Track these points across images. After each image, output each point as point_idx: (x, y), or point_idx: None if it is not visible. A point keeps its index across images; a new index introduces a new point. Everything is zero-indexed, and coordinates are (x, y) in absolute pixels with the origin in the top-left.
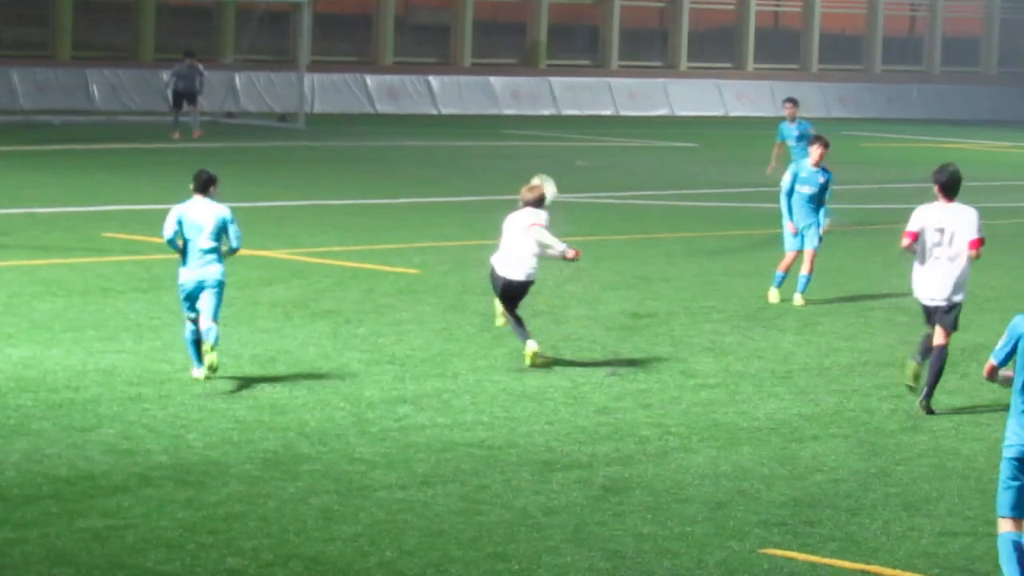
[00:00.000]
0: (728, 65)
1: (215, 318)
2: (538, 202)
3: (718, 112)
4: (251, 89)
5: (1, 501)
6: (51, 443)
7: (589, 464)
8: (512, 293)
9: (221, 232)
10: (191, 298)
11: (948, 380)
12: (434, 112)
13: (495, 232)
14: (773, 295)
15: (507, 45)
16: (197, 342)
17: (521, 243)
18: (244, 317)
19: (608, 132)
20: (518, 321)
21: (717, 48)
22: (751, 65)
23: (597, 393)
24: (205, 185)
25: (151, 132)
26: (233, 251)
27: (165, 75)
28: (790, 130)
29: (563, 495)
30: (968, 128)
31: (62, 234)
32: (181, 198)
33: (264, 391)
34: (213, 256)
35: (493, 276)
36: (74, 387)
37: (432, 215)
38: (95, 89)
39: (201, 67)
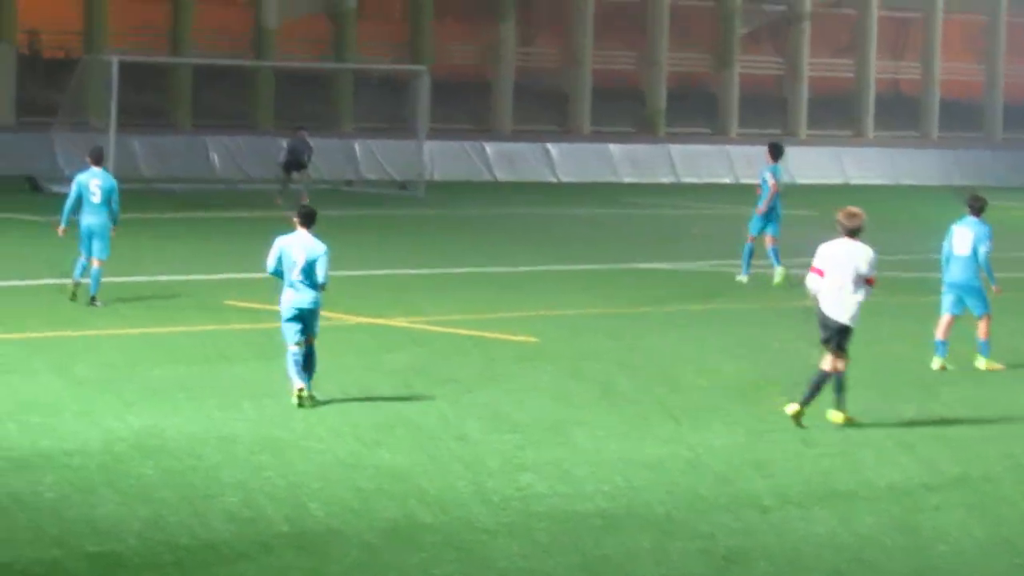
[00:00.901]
0: (848, 132)
1: (311, 335)
2: (856, 231)
3: (837, 180)
4: (370, 157)
5: (123, 569)
6: (172, 511)
7: (710, 534)
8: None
9: (310, 270)
10: (291, 324)
11: None
12: (552, 179)
13: (612, 300)
14: (936, 363)
15: (625, 112)
16: (299, 364)
17: (848, 282)
18: (364, 385)
19: (726, 200)
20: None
21: (836, 115)
22: (871, 132)
23: (716, 461)
24: (308, 219)
25: (270, 199)
26: (320, 286)
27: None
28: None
29: (684, 565)
30: None
31: (183, 301)
32: None
33: (384, 459)
34: (305, 286)
35: (820, 316)
36: (195, 454)
37: (550, 283)
38: (215, 156)
39: (309, 140)
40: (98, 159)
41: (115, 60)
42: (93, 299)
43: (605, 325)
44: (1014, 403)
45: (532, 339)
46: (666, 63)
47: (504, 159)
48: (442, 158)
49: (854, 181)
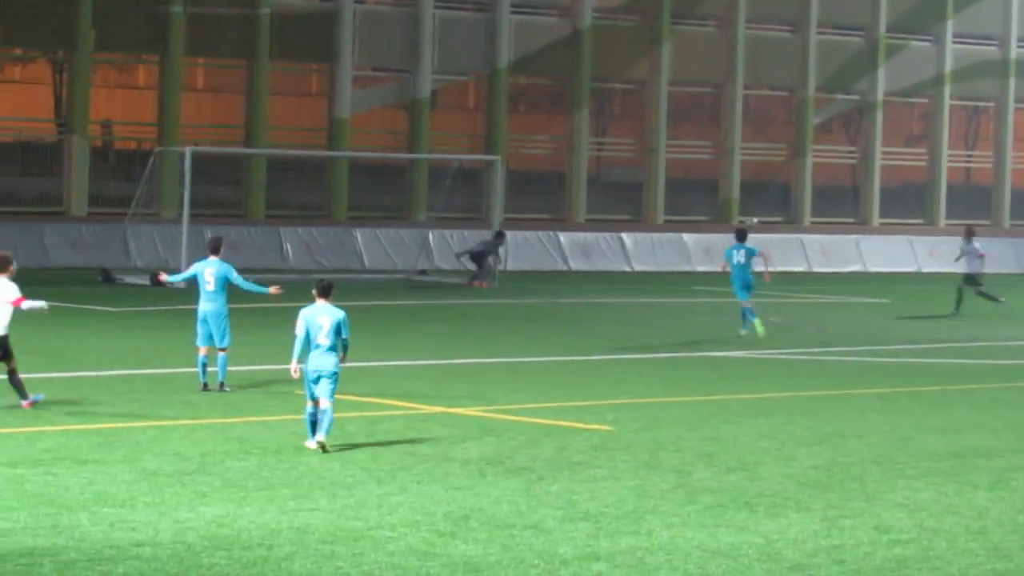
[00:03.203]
0: (920, 221)
1: (330, 398)
2: None
3: (911, 268)
4: (444, 247)
5: None
6: None
7: None
8: None
9: (337, 331)
10: (312, 384)
11: None
12: (627, 269)
13: (688, 389)
14: None
15: (700, 202)
16: (314, 422)
17: None
18: (437, 475)
19: (801, 288)
20: None
21: (909, 203)
22: (943, 221)
23: (791, 549)
24: (326, 291)
25: (344, 290)
26: (344, 345)
27: (358, 233)
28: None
29: None
30: None
31: (254, 391)
32: (372, 356)
33: (458, 549)
34: (329, 350)
35: None
36: (267, 545)
37: (625, 371)
38: (289, 248)
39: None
40: (215, 248)
41: (188, 151)
42: (222, 385)
43: (681, 413)
44: None
45: (606, 428)
46: (740, 152)
47: (578, 249)
48: (516, 248)
49: (926, 269)
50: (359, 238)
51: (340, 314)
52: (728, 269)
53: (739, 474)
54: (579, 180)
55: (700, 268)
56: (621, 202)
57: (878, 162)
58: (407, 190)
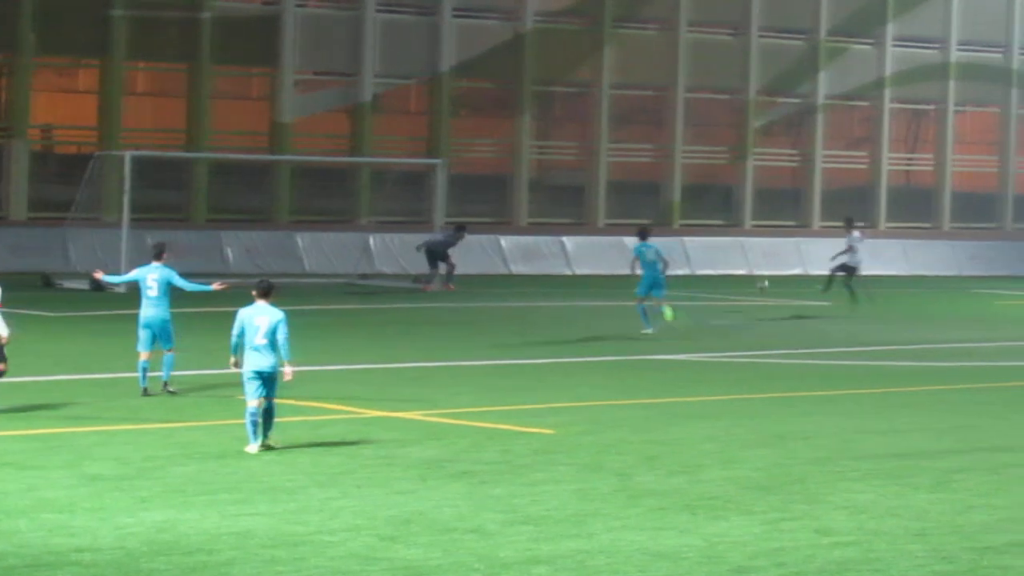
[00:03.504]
0: (861, 223)
1: (271, 395)
2: None
3: None
4: (386, 251)
5: None
6: None
7: None
8: None
9: (274, 332)
10: (252, 382)
11: None
12: (568, 272)
13: (631, 392)
14: None
15: (641, 205)
16: (255, 424)
17: None
18: (379, 479)
19: (742, 291)
20: None
21: (850, 206)
22: (884, 224)
23: (732, 553)
24: (266, 291)
25: (285, 294)
26: (285, 347)
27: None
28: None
29: None
30: None
31: (196, 396)
32: (314, 360)
33: (400, 553)
34: (266, 350)
35: None
36: (208, 550)
37: (568, 375)
38: (230, 252)
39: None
40: (159, 254)
41: (128, 155)
42: (166, 385)
43: (624, 417)
44: (1017, 492)
45: (550, 431)
46: (682, 155)
47: (520, 252)
48: (459, 252)
49: (866, 272)
50: (301, 242)
51: (278, 315)
52: (638, 270)
53: (681, 477)
54: (521, 183)
55: (640, 271)
56: (563, 205)
57: (819, 165)
58: (349, 194)
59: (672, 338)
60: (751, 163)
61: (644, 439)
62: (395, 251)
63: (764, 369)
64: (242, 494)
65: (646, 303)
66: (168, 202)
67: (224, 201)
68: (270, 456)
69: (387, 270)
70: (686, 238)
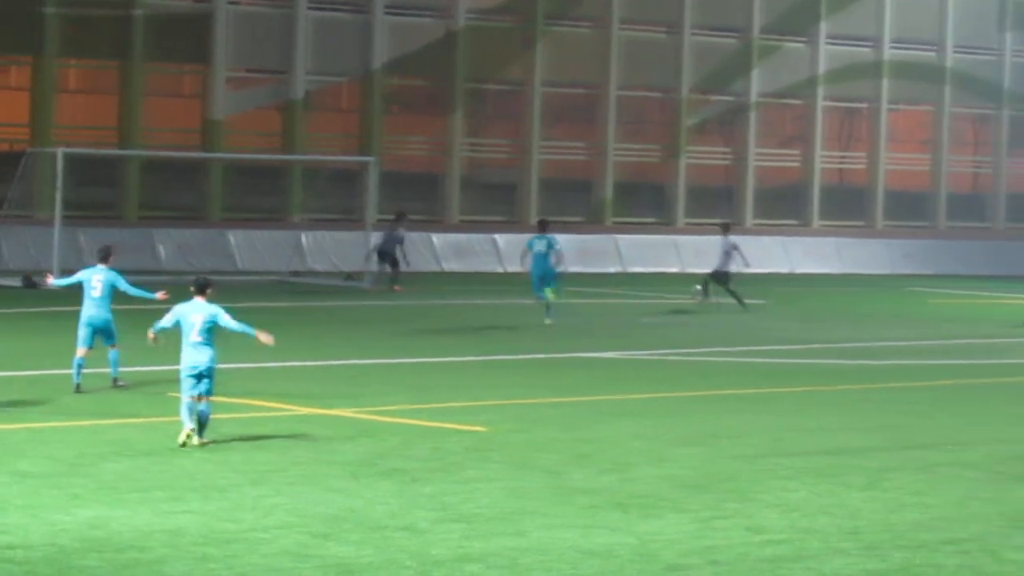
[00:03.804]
0: (794, 222)
1: (207, 394)
2: None
3: (784, 269)
4: (318, 248)
5: None
6: None
7: None
8: None
9: (210, 328)
10: (189, 379)
11: (1016, 535)
12: (500, 269)
13: (562, 390)
14: None
15: (573, 203)
16: (192, 409)
17: None
18: (312, 476)
19: (674, 289)
20: None
21: (783, 205)
22: (816, 222)
23: (665, 551)
24: (202, 288)
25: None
26: (236, 329)
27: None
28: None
29: None
30: None
31: (129, 394)
32: (246, 357)
33: (332, 550)
34: (203, 347)
35: None
36: (140, 547)
37: (500, 373)
38: (162, 249)
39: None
40: (105, 257)
41: (61, 152)
42: (115, 381)
43: (556, 415)
44: (948, 490)
45: (481, 429)
46: (614, 153)
47: (452, 249)
48: (409, 248)
49: (800, 270)
50: (233, 240)
51: (214, 309)
52: (525, 266)
53: (613, 475)
54: (453, 181)
55: (573, 268)
56: (495, 203)
57: (752, 163)
58: (282, 192)
59: (601, 335)
60: (684, 161)
61: (575, 437)
62: (327, 249)
63: (694, 367)
64: (175, 491)
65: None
66: (100, 199)
67: (156, 199)
68: (202, 453)
69: (319, 267)
70: (619, 236)
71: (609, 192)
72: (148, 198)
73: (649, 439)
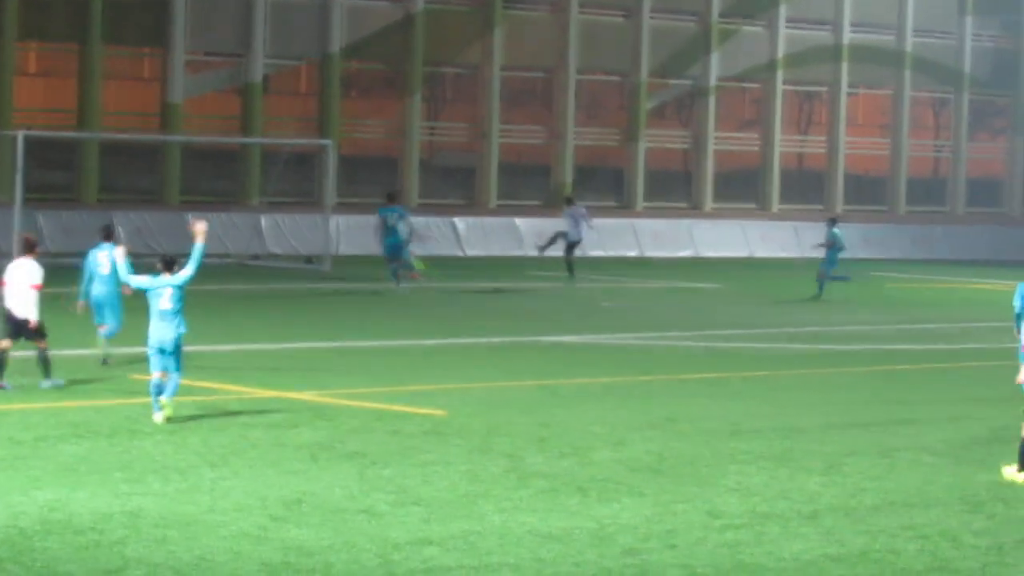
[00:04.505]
0: (753, 206)
1: (176, 371)
2: None
3: (743, 253)
4: (277, 231)
5: None
6: None
7: None
8: None
9: (180, 295)
10: (155, 356)
11: (975, 520)
12: (459, 253)
13: (521, 374)
14: None
15: (532, 186)
16: (160, 391)
17: None
18: (270, 459)
19: (633, 273)
20: None
21: (742, 189)
22: (776, 206)
23: (623, 535)
24: (169, 266)
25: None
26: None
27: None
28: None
29: None
30: (992, 268)
31: (88, 376)
32: (205, 340)
33: (290, 533)
34: (172, 316)
35: None
36: (100, 529)
37: (458, 356)
38: (121, 232)
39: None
40: (108, 235)
41: (20, 134)
42: (105, 359)
43: (514, 398)
44: (907, 475)
45: (440, 413)
46: (573, 137)
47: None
48: (349, 232)
49: (759, 254)
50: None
51: (179, 279)
52: (380, 238)
53: (571, 459)
54: (411, 164)
55: (531, 253)
56: (454, 186)
57: (711, 147)
58: (240, 175)
59: (560, 320)
60: (642, 145)
61: (533, 421)
62: (286, 232)
63: (652, 352)
64: (133, 473)
65: (402, 267)
66: (58, 182)
67: (114, 181)
68: (161, 435)
69: (278, 251)
70: None
71: (568, 176)
72: (107, 181)
73: (608, 423)
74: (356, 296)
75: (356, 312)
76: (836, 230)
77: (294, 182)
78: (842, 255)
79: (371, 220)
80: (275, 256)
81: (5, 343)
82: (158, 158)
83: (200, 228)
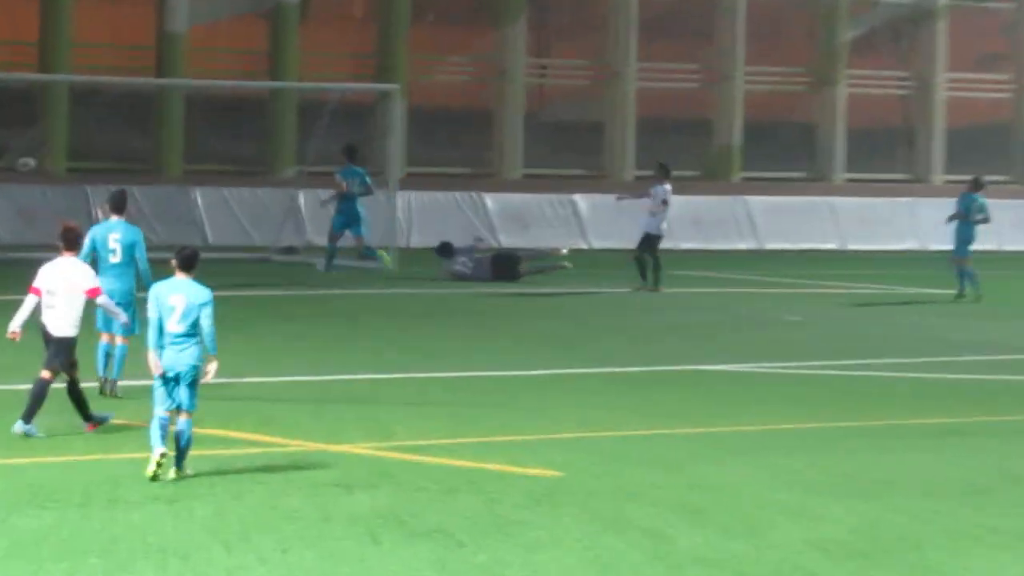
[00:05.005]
0: (1004, 177)
1: (189, 407)
2: None
3: (988, 245)
4: (320, 214)
5: None
6: None
7: None
8: None
9: (195, 316)
10: (162, 388)
11: None
12: (583, 245)
13: (665, 416)
14: None
15: (684, 151)
16: (165, 428)
17: None
18: (311, 538)
19: (830, 273)
20: None
21: (985, 154)
22: None
23: None
24: (187, 262)
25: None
26: (208, 337)
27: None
28: None
29: None
30: None
31: (50, 419)
32: (230, 366)
33: None
34: (185, 340)
35: None
36: None
37: (578, 391)
38: (100, 214)
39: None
40: (119, 206)
41: None
42: (112, 383)
43: (657, 451)
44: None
45: (552, 473)
46: (742, 81)
47: (511, 216)
48: (422, 214)
49: (1009, 246)
50: (199, 200)
51: (202, 294)
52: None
53: (742, 540)
54: (512, 120)
55: (685, 244)
56: (572, 151)
57: (941, 94)
58: (268, 134)
59: (721, 339)
60: (841, 91)
61: (684, 482)
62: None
63: (857, 385)
64: (116, 558)
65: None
66: (13, 145)
67: (91, 143)
68: (157, 503)
69: (322, 241)
70: (749, 198)
71: (737, 136)
72: (81, 143)
73: (791, 487)
74: (432, 305)
75: (432, 328)
76: (978, 196)
77: (344, 144)
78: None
79: (453, 199)
80: (317, 248)
81: (46, 373)
82: (151, 111)
83: (211, 372)
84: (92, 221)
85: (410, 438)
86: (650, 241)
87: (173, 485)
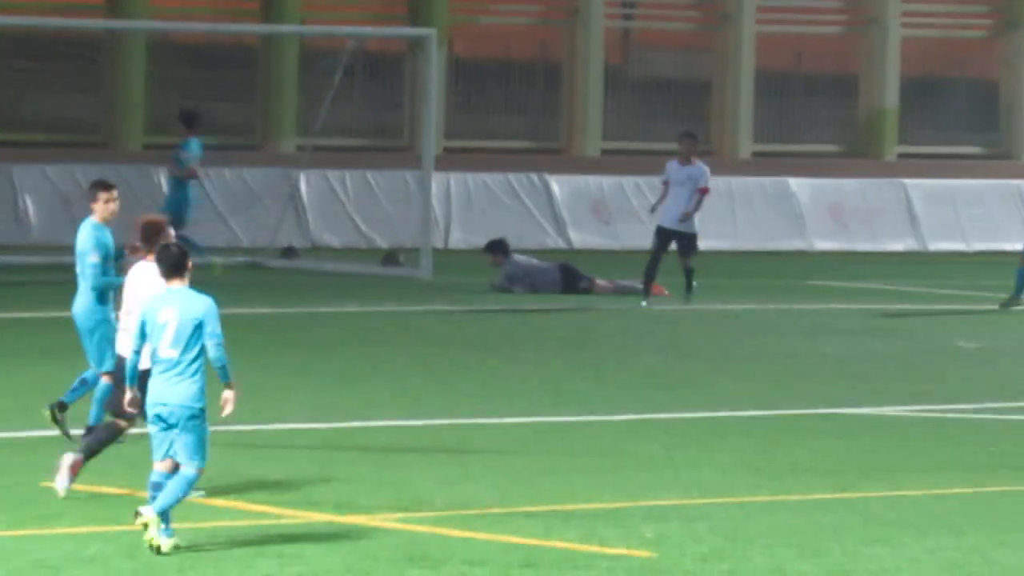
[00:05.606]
0: None
1: (194, 458)
2: None
3: None
4: (330, 203)
5: None
6: None
7: None
8: None
9: (194, 335)
10: (156, 432)
11: None
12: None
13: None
14: None
15: (816, 116)
16: (159, 487)
17: None
18: None
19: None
20: None
21: None
22: None
23: None
24: (176, 268)
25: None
26: (217, 363)
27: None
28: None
29: None
30: None
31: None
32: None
33: None
34: (179, 368)
35: None
36: None
37: (675, 443)
38: (30, 204)
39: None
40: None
41: None
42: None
43: (788, 525)
44: None
45: (640, 552)
46: (897, 25)
47: (586, 204)
48: (467, 203)
49: None
50: (164, 186)
51: (201, 305)
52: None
53: None
54: (588, 77)
55: (820, 244)
56: (669, 119)
57: None
58: (261, 98)
59: (873, 375)
60: None
61: (828, 568)
62: (348, 203)
63: None
64: None
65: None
66: None
67: (19, 108)
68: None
69: (335, 241)
70: (908, 181)
71: (890, 98)
72: (13, 108)
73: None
74: (478, 325)
75: (481, 358)
76: None
77: (363, 110)
78: None
79: (507, 183)
80: (329, 250)
81: (123, 422)
82: (107, 66)
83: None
84: (19, 219)
85: (448, 507)
86: (694, 243)
87: (175, 554)
